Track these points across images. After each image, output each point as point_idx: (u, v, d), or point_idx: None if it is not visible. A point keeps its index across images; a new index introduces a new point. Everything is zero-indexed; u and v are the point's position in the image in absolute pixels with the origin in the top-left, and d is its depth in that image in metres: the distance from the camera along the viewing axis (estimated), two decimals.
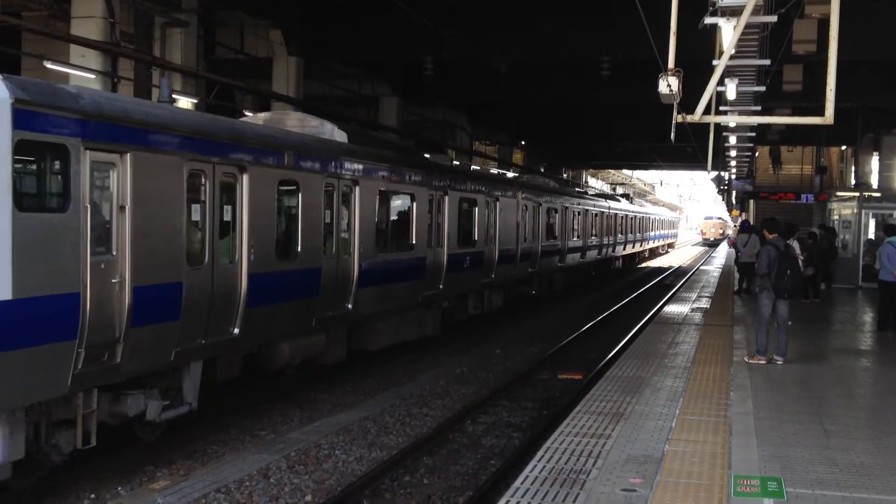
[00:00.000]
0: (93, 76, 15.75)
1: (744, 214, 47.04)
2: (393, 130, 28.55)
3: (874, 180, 37.17)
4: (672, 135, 14.02)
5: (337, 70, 26.53)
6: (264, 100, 23.65)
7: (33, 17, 18.47)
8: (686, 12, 11.70)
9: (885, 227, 18.15)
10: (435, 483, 9.72)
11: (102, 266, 8.39)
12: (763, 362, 12.35)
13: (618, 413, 9.28)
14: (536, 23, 21.52)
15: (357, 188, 13.81)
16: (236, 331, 10.60)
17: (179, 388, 10.00)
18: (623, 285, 36.84)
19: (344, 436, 11.27)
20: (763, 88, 16.60)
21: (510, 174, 33.60)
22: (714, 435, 8.38)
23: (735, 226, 45.97)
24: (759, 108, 18.65)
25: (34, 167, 7.98)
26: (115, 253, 8.57)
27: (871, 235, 25.97)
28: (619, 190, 68.07)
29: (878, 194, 32.03)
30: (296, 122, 14.18)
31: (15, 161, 7.39)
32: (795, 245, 16.28)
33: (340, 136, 14.20)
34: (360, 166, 13.96)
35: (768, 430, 8.62)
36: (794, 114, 21.75)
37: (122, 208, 8.64)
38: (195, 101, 18.49)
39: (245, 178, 10.72)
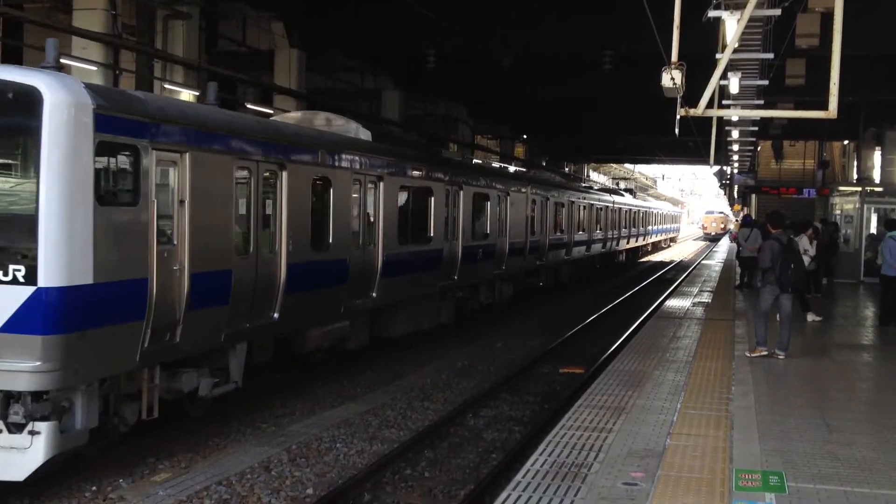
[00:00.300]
0: (94, 68, 15.73)
1: (745, 209, 47.03)
2: (395, 124, 28.51)
3: (876, 175, 37.10)
4: (676, 129, 14.00)
5: (339, 63, 26.49)
6: (266, 92, 23.62)
7: (35, 8, 18.47)
8: (689, 6, 11.67)
9: (885, 222, 18.12)
10: (436, 476, 9.73)
11: (165, 255, 9.27)
12: (764, 353, 12.33)
13: (619, 407, 9.28)
14: (539, 16, 21.48)
15: (381, 184, 14.65)
16: (276, 315, 11.48)
17: (226, 367, 10.79)
18: (625, 279, 36.86)
19: (345, 429, 11.27)
20: (766, 82, 16.56)
21: (518, 169, 34.06)
22: (716, 429, 8.37)
23: (736, 220, 45.95)
24: (761, 102, 18.58)
25: (111, 166, 8.78)
26: (175, 243, 9.46)
27: (873, 230, 25.92)
28: (622, 185, 68.19)
29: (880, 189, 31.99)
30: (323, 122, 15.02)
31: (96, 160, 8.30)
32: (804, 240, 16.26)
33: (365, 134, 15.16)
34: (384, 163, 14.86)
35: (770, 424, 8.62)
36: (796, 108, 21.71)
37: (181, 202, 9.51)
38: (196, 94, 18.47)
39: (284, 174, 11.61)
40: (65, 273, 8.02)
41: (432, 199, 17.14)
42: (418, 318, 17.20)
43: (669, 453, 7.54)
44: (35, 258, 7.93)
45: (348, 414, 12.02)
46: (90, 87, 8.44)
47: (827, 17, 12.96)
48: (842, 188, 36.20)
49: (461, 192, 18.51)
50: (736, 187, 47.05)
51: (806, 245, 16.57)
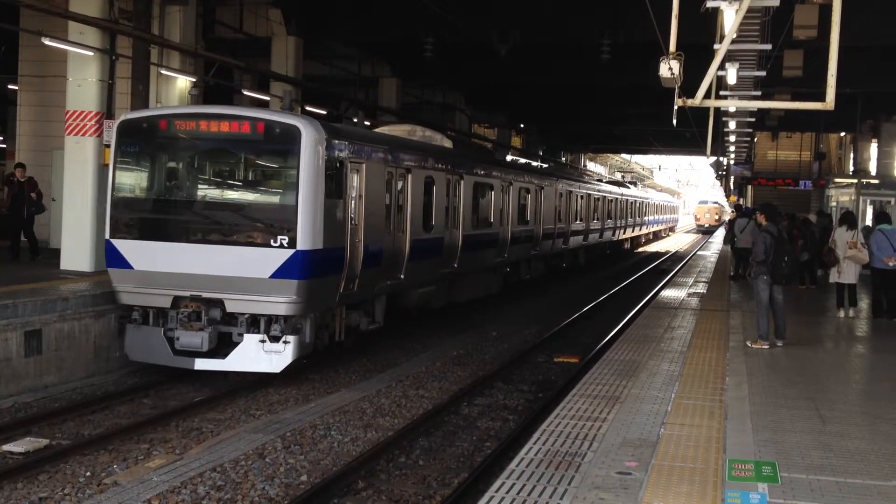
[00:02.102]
0: (91, 53, 15.67)
1: (742, 200, 47.07)
2: (392, 112, 28.46)
3: (872, 167, 37.10)
4: (674, 119, 13.98)
5: (337, 50, 26.40)
6: (263, 79, 23.55)
7: None
8: None
9: (875, 215, 18.14)
10: (430, 464, 9.75)
11: (352, 232, 13.42)
12: (766, 347, 12.32)
13: (614, 396, 9.29)
14: (537, 5, 21.41)
15: (462, 182, 18.66)
16: (402, 276, 15.68)
17: (373, 312, 15.06)
18: (623, 268, 36.93)
19: (340, 416, 11.29)
20: (763, 73, 16.55)
21: (548, 166, 37.97)
22: (709, 419, 8.39)
23: (732, 210, 45.94)
24: (759, 93, 18.58)
25: (330, 173, 12.74)
26: (356, 223, 13.57)
27: (869, 222, 25.94)
28: (618, 175, 68.85)
29: (876, 181, 32.02)
30: (419, 133, 19.27)
31: (326, 170, 12.55)
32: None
33: (448, 142, 19.87)
34: (463, 165, 18.99)
35: (764, 414, 8.64)
36: (793, 99, 21.69)
37: (360, 197, 13.67)
38: (193, 80, 18.40)
39: (410, 176, 15.84)
40: (310, 241, 12.25)
41: (492, 192, 20.99)
42: (478, 287, 21.09)
43: (663, 443, 7.56)
44: (295, 232, 12.16)
45: (343, 401, 12.03)
46: (322, 125, 12.82)
47: (825, 9, 12.92)
48: (838, 180, 36.28)
49: (511, 187, 22.33)
50: (732, 178, 47.04)
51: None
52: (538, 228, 25.09)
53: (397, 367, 14.71)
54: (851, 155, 40.61)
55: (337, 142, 12.90)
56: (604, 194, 36.81)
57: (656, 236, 63.28)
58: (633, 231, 46.99)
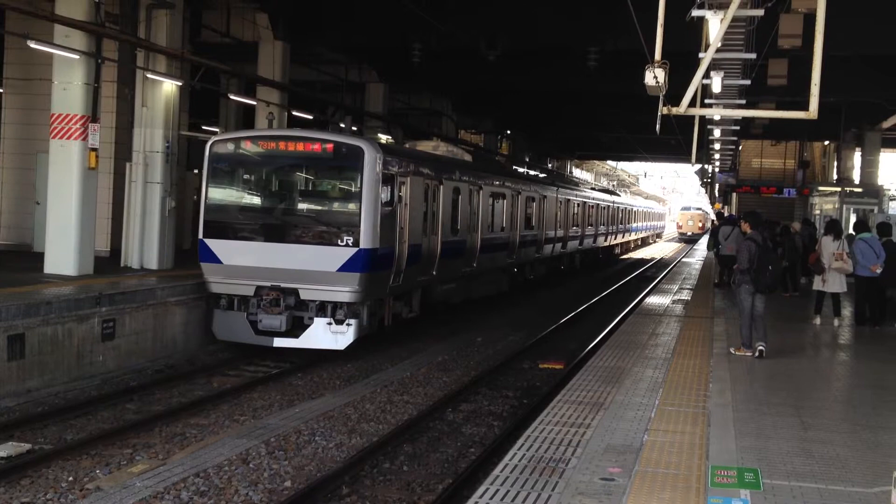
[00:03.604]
0: (76, 56, 15.61)
1: (726, 207, 47.25)
2: (379, 117, 28.45)
3: (856, 175, 37.34)
4: (657, 126, 14.04)
5: (324, 55, 26.38)
6: (249, 83, 23.50)
7: None
8: (674, 4, 11.70)
9: (855, 224, 18.25)
10: (415, 470, 9.75)
11: (398, 234, 15.84)
12: (749, 355, 12.29)
13: (598, 403, 9.32)
14: (525, 12, 21.46)
15: (481, 191, 21.19)
16: (434, 273, 18.15)
17: (411, 303, 17.55)
18: (608, 274, 37.06)
19: (324, 422, 11.27)
20: (748, 82, 16.63)
21: (547, 176, 40.74)
22: (693, 426, 8.42)
23: (713, 219, 46.14)
24: (743, 101, 18.67)
25: (386, 184, 15.30)
26: (402, 227, 16.01)
27: (852, 230, 26.09)
28: (606, 183, 69.68)
29: (859, 189, 32.26)
30: (443, 149, 21.68)
31: (382, 182, 15.05)
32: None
33: (468, 156, 22.91)
34: (481, 177, 21.54)
35: (747, 421, 8.68)
36: (778, 108, 21.82)
37: (406, 205, 16.16)
38: (179, 84, 18.36)
39: (441, 187, 18.29)
40: (370, 242, 14.74)
41: (504, 201, 23.40)
42: (491, 285, 23.46)
43: (647, 449, 7.59)
44: (358, 234, 14.63)
45: (327, 407, 12.01)
46: (379, 145, 15.94)
47: (810, 18, 13.00)
48: (821, 188, 36.51)
49: (519, 196, 24.89)
50: (717, 186, 47.22)
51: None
52: (541, 233, 27.71)
53: (382, 372, 14.70)
54: (835, 163, 40.84)
55: (390, 159, 15.46)
56: (597, 202, 38.96)
57: (644, 242, 65.17)
58: (623, 237, 49.44)
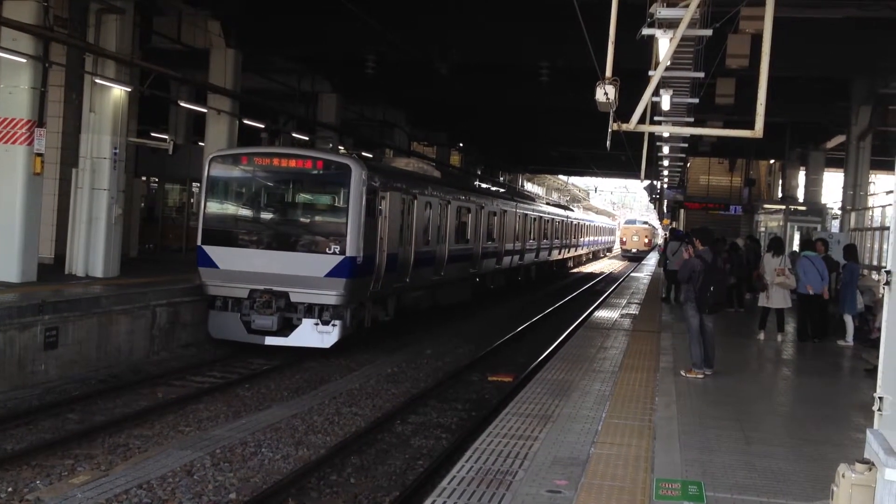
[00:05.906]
0: (23, 60, 15.34)
1: (674, 223, 47.86)
2: (331, 128, 28.36)
3: (800, 194, 38.08)
4: (608, 142, 14.18)
5: (276, 64, 26.23)
6: (200, 91, 23.28)
7: None
8: (625, 23, 11.85)
9: (801, 242, 18.63)
10: (362, 483, 9.70)
11: (379, 244, 17.19)
12: (700, 377, 12.05)
13: (546, 415, 9.37)
14: (478, 25, 21.57)
15: (449, 206, 22.83)
16: (408, 280, 19.56)
17: (387, 307, 19.00)
18: (558, 287, 37.31)
19: (271, 433, 11.17)
20: (696, 100, 16.87)
21: (505, 190, 41.37)
22: (639, 439, 8.51)
23: (665, 235, 46.64)
24: (692, 119, 18.96)
25: (369, 199, 16.57)
26: (382, 237, 17.40)
27: (796, 248, 26.60)
28: (557, 197, 70.75)
29: (803, 207, 32.90)
30: (414, 165, 23.86)
31: (366, 197, 16.35)
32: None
33: (437, 173, 24.79)
34: (449, 192, 23.15)
35: (691, 434, 8.79)
36: (725, 126, 22.17)
37: (385, 217, 17.55)
38: (129, 90, 18.13)
39: (415, 202, 19.81)
40: (354, 250, 16.07)
41: (471, 214, 25.26)
42: (456, 294, 25.08)
43: (593, 462, 7.64)
44: (344, 243, 15.96)
45: (274, 418, 11.91)
46: (365, 163, 17.47)
47: (757, 39, 13.24)
48: (767, 206, 37.17)
49: (482, 210, 26.62)
50: (666, 202, 47.83)
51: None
52: (502, 246, 29.48)
53: (330, 383, 14.62)
54: (780, 182, 41.62)
55: (373, 176, 16.95)
56: (552, 216, 40.91)
57: (595, 255, 67.20)
58: (576, 251, 51.67)
